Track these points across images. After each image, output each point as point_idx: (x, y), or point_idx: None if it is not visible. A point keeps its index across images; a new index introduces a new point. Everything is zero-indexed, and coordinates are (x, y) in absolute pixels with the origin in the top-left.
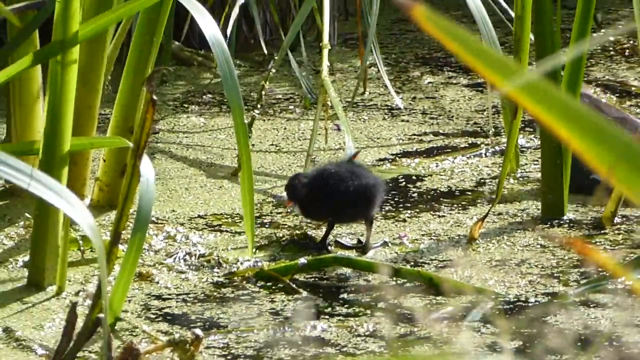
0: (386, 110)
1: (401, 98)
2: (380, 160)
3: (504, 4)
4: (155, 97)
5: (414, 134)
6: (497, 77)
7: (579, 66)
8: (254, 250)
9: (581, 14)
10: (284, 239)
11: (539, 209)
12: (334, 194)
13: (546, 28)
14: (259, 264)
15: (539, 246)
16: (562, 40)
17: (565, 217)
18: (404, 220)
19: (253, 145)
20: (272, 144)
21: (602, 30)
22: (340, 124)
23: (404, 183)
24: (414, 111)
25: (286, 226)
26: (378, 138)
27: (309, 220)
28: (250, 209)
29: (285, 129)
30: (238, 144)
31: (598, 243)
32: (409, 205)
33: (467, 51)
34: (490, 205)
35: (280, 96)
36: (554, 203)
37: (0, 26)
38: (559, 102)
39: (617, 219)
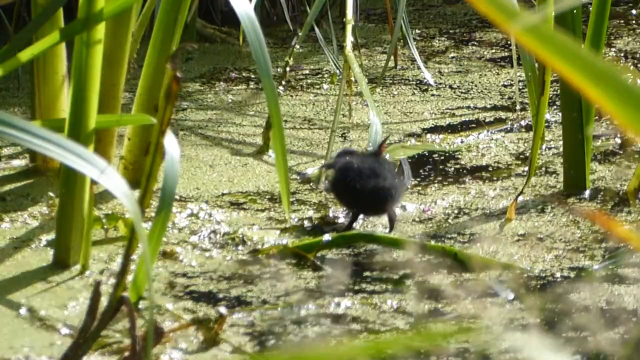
0: (414, 85)
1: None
2: (407, 135)
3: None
4: (179, 74)
5: (447, 108)
6: (528, 38)
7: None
8: (278, 232)
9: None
10: (309, 223)
11: (561, 184)
12: (353, 189)
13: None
14: (284, 241)
15: (563, 221)
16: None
17: (587, 192)
18: (428, 195)
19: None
20: (305, 119)
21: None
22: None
23: (428, 159)
24: (442, 85)
25: (311, 203)
26: (410, 113)
27: (332, 199)
28: (285, 177)
29: (313, 104)
30: (271, 119)
31: (621, 217)
32: (434, 180)
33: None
34: (524, 184)
35: (307, 72)
36: (575, 178)
37: (24, 5)
38: (579, 57)
39: None
